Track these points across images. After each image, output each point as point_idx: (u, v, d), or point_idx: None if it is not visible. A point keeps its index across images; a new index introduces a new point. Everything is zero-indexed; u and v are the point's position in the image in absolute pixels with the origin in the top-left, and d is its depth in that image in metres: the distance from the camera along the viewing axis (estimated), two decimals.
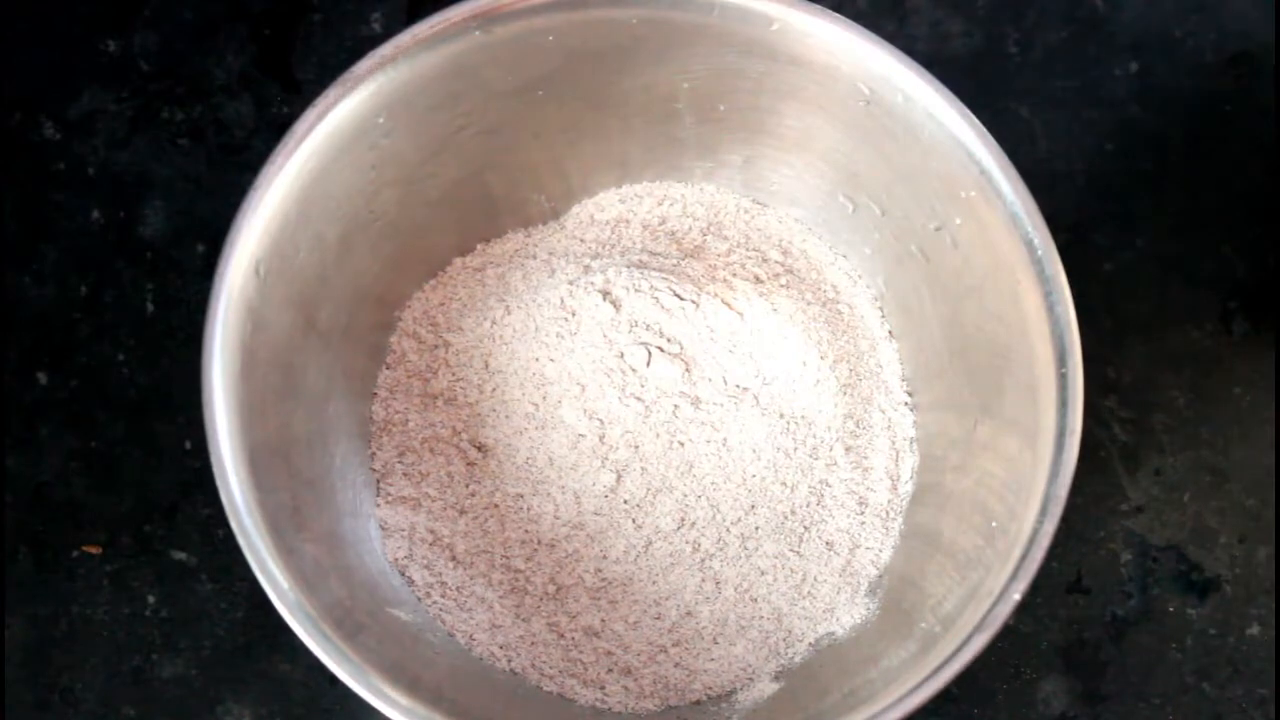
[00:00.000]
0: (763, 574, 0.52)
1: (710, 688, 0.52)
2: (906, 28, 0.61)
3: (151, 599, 0.56)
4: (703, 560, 0.52)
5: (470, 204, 0.54)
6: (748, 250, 0.55)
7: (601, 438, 0.52)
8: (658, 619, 0.52)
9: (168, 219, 0.59)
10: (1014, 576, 0.43)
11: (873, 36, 0.47)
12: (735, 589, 0.52)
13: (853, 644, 0.51)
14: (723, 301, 0.53)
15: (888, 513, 0.53)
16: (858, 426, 0.53)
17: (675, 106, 0.52)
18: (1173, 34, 0.61)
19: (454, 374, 0.54)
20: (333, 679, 0.43)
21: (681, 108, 0.52)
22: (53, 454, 0.57)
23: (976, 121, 0.46)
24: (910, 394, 0.54)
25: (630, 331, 0.52)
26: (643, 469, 0.52)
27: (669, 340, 0.52)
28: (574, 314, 0.52)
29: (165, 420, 0.58)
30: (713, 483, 0.52)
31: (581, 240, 0.56)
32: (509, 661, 0.51)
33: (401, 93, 0.47)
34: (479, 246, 0.56)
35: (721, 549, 0.52)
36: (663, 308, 0.52)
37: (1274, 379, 0.59)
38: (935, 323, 0.52)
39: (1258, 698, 0.57)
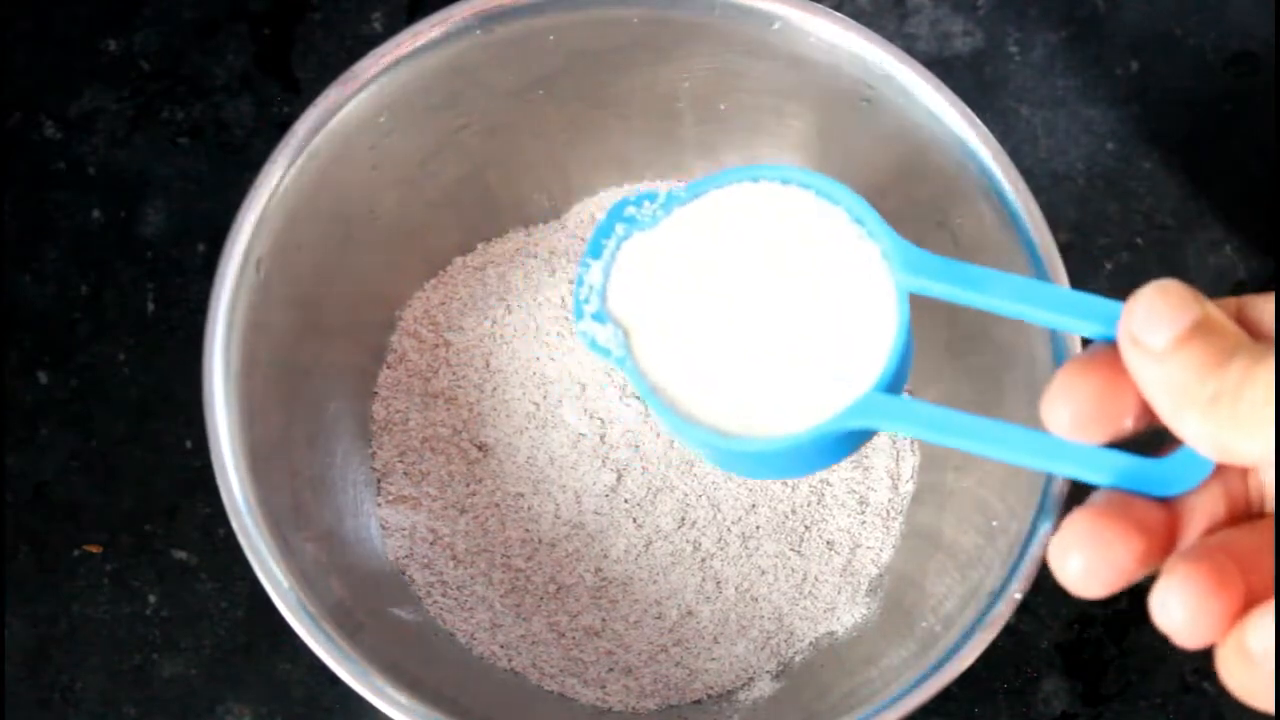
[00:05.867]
0: (763, 573, 0.52)
1: (711, 687, 0.52)
2: (907, 27, 0.61)
3: (152, 598, 0.56)
4: (703, 560, 0.52)
5: (471, 203, 0.54)
6: None
7: (602, 437, 0.52)
8: (658, 618, 0.52)
9: (168, 218, 0.59)
10: (1014, 576, 0.43)
11: (873, 35, 0.47)
12: (736, 588, 0.52)
13: (853, 643, 0.51)
14: None
15: (888, 512, 0.53)
16: None
17: (676, 105, 0.52)
18: (1173, 33, 0.61)
19: (455, 373, 0.54)
20: (333, 678, 0.43)
21: (682, 107, 0.52)
22: (53, 453, 0.57)
23: (977, 121, 0.46)
24: (911, 393, 0.54)
25: None
26: (643, 468, 0.52)
27: None
28: None
29: (166, 419, 0.58)
30: (713, 482, 0.52)
31: (582, 239, 0.56)
32: (509, 661, 0.51)
33: (402, 92, 0.47)
34: (480, 246, 0.56)
35: (722, 548, 0.52)
36: None
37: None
38: (937, 325, 0.52)
39: None
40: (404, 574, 0.52)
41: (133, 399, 0.58)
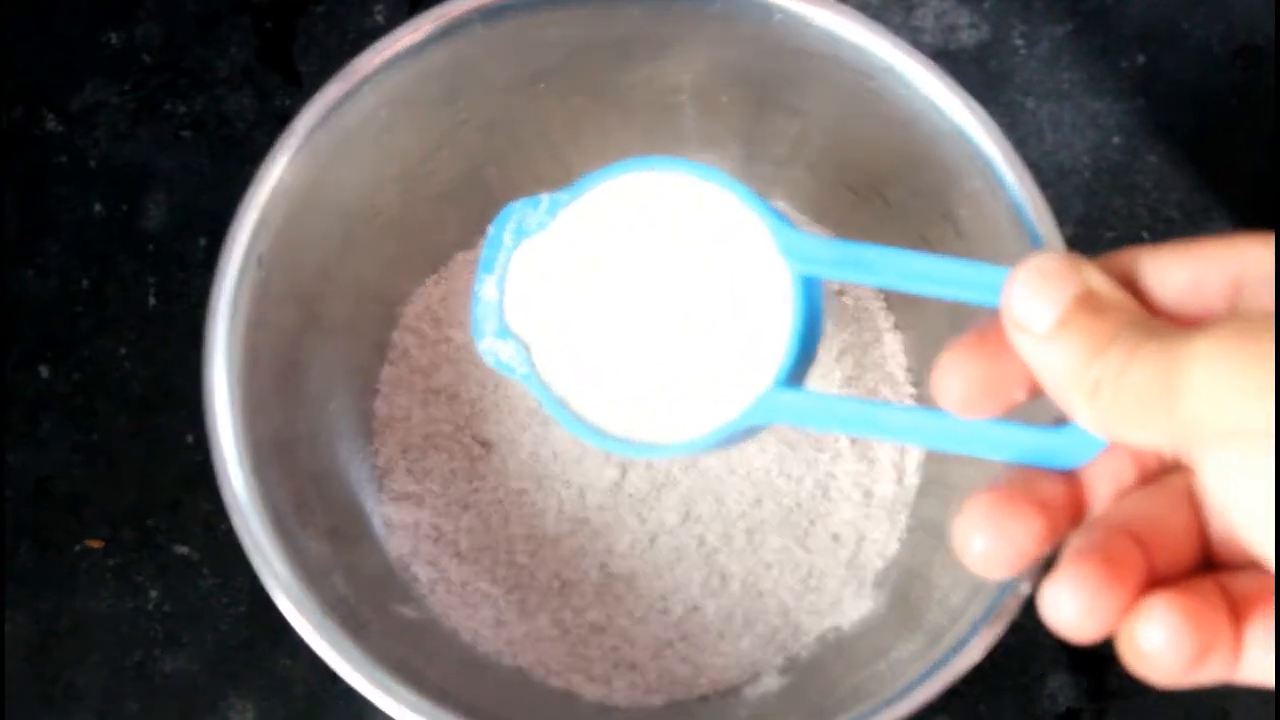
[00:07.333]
0: (769, 568, 0.52)
1: (717, 682, 0.52)
2: (912, 20, 0.61)
3: (154, 594, 0.56)
4: (708, 554, 0.52)
5: (472, 198, 0.54)
6: None
7: None
8: (663, 614, 0.52)
9: (170, 212, 0.59)
10: None
11: (877, 27, 0.46)
12: (741, 583, 0.52)
13: (860, 637, 0.51)
14: None
15: (894, 505, 0.53)
16: None
17: (677, 99, 0.52)
18: (1180, 27, 0.61)
19: (456, 369, 0.54)
20: (335, 674, 0.43)
21: (684, 100, 0.52)
22: (54, 448, 0.57)
23: (983, 113, 0.46)
24: (915, 385, 0.54)
25: None
26: (647, 463, 0.52)
27: None
28: None
29: (168, 414, 0.57)
30: (718, 476, 0.52)
31: None
32: (514, 658, 0.51)
33: (403, 87, 0.47)
34: (480, 241, 0.55)
35: (727, 543, 0.52)
36: None
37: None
38: (939, 314, 0.52)
39: (1262, 694, 0.56)
40: (407, 571, 0.52)
41: (134, 393, 0.58)
